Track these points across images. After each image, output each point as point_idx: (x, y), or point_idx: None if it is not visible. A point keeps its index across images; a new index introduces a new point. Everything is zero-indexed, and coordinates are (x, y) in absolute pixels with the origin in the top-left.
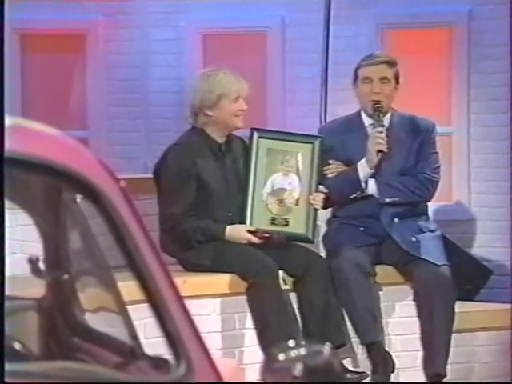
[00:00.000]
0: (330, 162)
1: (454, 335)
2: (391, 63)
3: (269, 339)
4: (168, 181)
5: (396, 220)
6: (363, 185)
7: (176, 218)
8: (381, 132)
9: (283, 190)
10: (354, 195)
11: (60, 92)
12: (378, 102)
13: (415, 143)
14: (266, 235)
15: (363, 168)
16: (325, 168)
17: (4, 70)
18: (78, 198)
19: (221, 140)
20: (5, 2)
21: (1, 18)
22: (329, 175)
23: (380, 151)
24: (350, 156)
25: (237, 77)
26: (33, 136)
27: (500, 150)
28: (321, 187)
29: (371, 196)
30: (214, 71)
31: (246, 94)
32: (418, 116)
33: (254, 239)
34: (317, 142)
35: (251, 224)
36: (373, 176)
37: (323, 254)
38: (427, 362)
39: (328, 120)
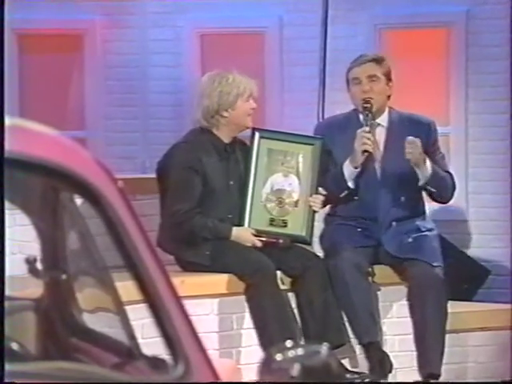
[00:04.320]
0: (320, 189)
1: (450, 335)
2: (378, 60)
3: (269, 339)
4: (175, 177)
5: (394, 223)
6: (350, 184)
7: (184, 213)
8: (368, 132)
9: (282, 191)
10: (343, 194)
11: (58, 92)
12: (367, 101)
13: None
14: (272, 240)
15: (348, 167)
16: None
17: (4, 70)
18: (76, 198)
19: (226, 140)
20: (5, 2)
21: (1, 18)
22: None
23: (365, 151)
24: (346, 154)
25: (246, 77)
26: (30, 136)
27: (498, 151)
28: (320, 189)
29: (363, 195)
30: (225, 73)
31: (256, 92)
32: (417, 114)
33: (259, 243)
34: (318, 144)
35: (249, 225)
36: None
37: (320, 253)
38: (421, 362)
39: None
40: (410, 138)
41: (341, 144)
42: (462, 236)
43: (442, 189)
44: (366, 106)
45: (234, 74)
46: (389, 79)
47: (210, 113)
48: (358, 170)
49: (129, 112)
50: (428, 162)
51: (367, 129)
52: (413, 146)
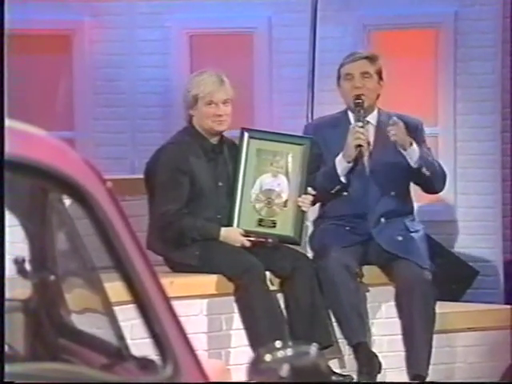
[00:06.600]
0: (309, 189)
1: (439, 335)
2: (372, 58)
3: (258, 340)
4: (163, 178)
5: (383, 220)
6: (342, 179)
7: (172, 214)
8: (361, 127)
9: (272, 191)
10: (335, 190)
11: (46, 93)
12: (358, 97)
13: None
14: (261, 240)
15: (341, 162)
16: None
17: (4, 71)
18: (65, 198)
19: (214, 141)
20: (4, 2)
21: (1, 19)
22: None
23: (359, 146)
24: (336, 154)
25: (219, 80)
26: (19, 137)
27: (486, 151)
28: (309, 189)
29: (352, 191)
30: (201, 72)
31: (221, 99)
32: (405, 114)
33: (248, 243)
34: (307, 144)
35: (238, 225)
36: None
37: (310, 254)
38: (409, 363)
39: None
40: (394, 118)
41: (331, 143)
42: (450, 236)
43: (434, 173)
44: (358, 101)
45: (207, 75)
46: (380, 77)
47: (184, 109)
48: (351, 164)
49: (117, 112)
50: (415, 145)
51: (360, 124)
52: (396, 127)
